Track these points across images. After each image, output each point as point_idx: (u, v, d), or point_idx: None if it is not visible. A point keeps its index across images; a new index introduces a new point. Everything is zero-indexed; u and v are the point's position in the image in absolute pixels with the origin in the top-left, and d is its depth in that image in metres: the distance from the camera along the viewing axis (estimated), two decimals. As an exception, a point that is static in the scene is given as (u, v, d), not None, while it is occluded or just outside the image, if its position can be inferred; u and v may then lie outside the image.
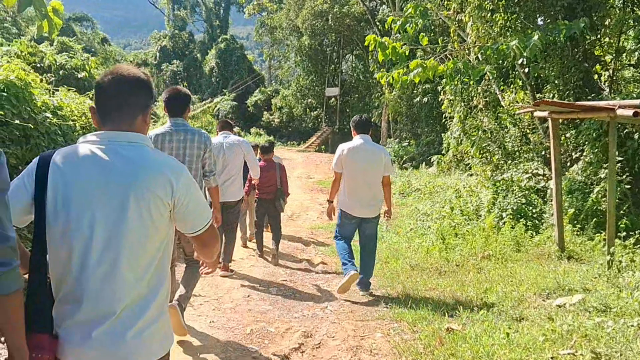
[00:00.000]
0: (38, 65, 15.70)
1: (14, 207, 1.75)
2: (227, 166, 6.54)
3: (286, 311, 5.54)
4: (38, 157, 1.96)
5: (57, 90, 7.34)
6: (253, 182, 7.51)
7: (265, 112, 43.74)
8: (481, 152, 12.20)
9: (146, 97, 2.08)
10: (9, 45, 17.71)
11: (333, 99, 41.05)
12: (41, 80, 6.80)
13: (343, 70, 41.87)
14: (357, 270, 5.93)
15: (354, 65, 41.91)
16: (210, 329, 4.83)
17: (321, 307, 5.68)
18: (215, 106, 42.60)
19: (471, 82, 12.98)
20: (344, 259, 6.04)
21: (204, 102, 43.66)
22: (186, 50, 54.29)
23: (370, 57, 33.92)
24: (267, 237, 8.31)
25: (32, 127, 5.47)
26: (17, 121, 5.50)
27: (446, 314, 5.23)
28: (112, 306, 1.87)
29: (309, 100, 41.30)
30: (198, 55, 53.48)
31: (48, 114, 6.04)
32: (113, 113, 2.00)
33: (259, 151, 8.27)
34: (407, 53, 9.80)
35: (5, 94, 5.65)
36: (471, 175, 13.74)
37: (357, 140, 5.99)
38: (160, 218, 1.95)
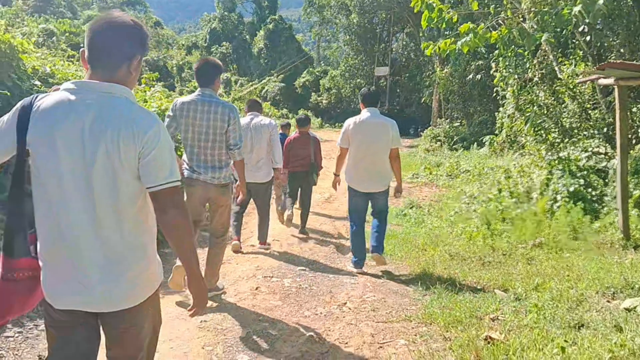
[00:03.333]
0: (81, 45, 15.48)
1: None
2: (255, 147, 6.49)
3: (297, 308, 4.73)
4: (20, 103, 1.98)
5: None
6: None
7: (313, 94, 43.06)
8: (535, 129, 11.02)
9: (132, 46, 2.01)
10: (45, 22, 17.40)
11: (383, 79, 40.00)
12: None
13: (393, 49, 40.71)
14: (361, 268, 5.87)
15: (404, 43, 40.64)
16: (199, 331, 4.05)
17: (339, 304, 4.83)
18: (263, 87, 42.08)
19: (526, 53, 11.80)
20: (354, 250, 5.97)
21: (251, 83, 43.16)
22: (235, 32, 53.78)
23: (421, 34, 32.59)
24: (298, 214, 8.17)
25: (9, 95, 4.80)
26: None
27: (486, 316, 4.32)
28: (89, 250, 1.94)
29: (358, 80, 40.29)
30: (247, 37, 52.94)
31: (37, 82, 5.40)
32: (96, 60, 1.98)
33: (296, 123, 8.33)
34: (454, 19, 8.80)
35: (-16, 59, 5.04)
36: (524, 155, 12.58)
37: (365, 113, 5.81)
38: (130, 168, 1.93)
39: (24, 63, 5.40)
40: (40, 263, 1.99)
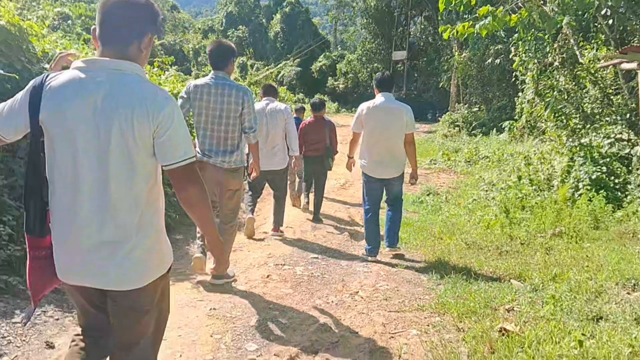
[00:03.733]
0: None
1: (8, 126, 1.98)
2: (270, 133, 6.47)
3: (308, 296, 4.65)
4: (32, 82, 1.97)
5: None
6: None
7: (330, 78, 42.80)
8: (556, 114, 10.78)
9: (143, 23, 2.01)
10: (61, 6, 17.37)
11: (400, 63, 39.69)
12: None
13: (411, 33, 40.28)
14: (375, 256, 5.78)
15: (422, 27, 40.17)
16: (208, 319, 3.98)
17: (351, 293, 4.75)
18: (279, 72, 41.89)
19: (546, 37, 11.53)
20: (368, 238, 5.86)
21: (267, 67, 42.97)
22: (252, 16, 53.50)
23: (439, 18, 32.15)
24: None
25: (18, 78, 4.73)
26: (5, 72, 4.82)
27: (502, 307, 4.20)
28: (100, 230, 1.94)
29: (375, 64, 39.97)
30: (263, 20, 52.64)
31: (46, 65, 5.33)
32: (106, 37, 1.98)
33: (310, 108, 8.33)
34: (473, 1, 8.59)
35: (-6, 42, 4.98)
36: (544, 141, 12.34)
37: (379, 98, 5.71)
38: (145, 146, 1.94)
39: (33, 46, 5.33)
40: (53, 240, 2.02)
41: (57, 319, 3.74)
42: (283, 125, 6.56)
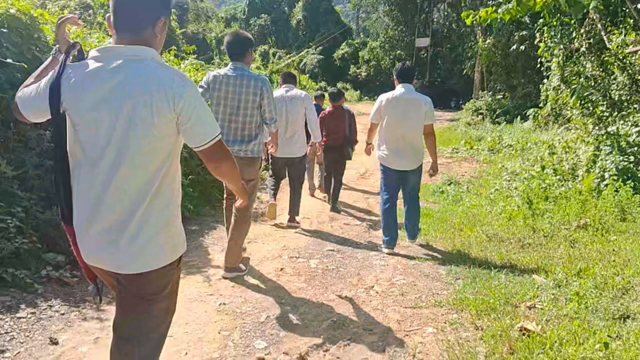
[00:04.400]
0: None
1: (30, 107, 2.04)
2: (289, 121, 6.45)
3: (322, 290, 4.52)
4: (51, 72, 2.01)
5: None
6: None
7: (352, 66, 42.48)
8: (582, 101, 10.44)
9: (156, 8, 2.03)
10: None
11: (423, 50, 39.22)
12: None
13: (434, 20, 39.73)
14: (392, 249, 5.69)
15: (445, 13, 39.59)
16: (216, 315, 3.88)
17: (366, 287, 4.61)
18: (301, 60, 41.66)
19: (572, 22, 11.19)
20: (385, 229, 5.78)
21: (289, 56, 42.78)
22: (274, 4, 53.22)
23: (463, 4, 31.61)
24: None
25: (27, 68, 4.65)
26: (16, 61, 4.74)
27: (523, 304, 4.03)
28: (111, 213, 1.97)
29: (398, 52, 39.63)
30: (285, 8, 52.34)
31: (58, 55, 5.26)
32: (121, 23, 2.00)
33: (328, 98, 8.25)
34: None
35: (4, 30, 4.90)
36: (569, 129, 12.01)
37: (399, 89, 5.63)
38: (163, 132, 1.96)
39: (45, 35, 5.25)
40: (74, 223, 2.05)
41: (63, 314, 3.66)
42: (303, 112, 6.56)
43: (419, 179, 5.86)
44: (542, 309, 3.92)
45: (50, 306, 3.72)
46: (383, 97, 5.69)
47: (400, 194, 5.92)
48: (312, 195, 8.81)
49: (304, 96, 6.65)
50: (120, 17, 1.99)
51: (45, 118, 2.06)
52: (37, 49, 5.05)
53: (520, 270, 4.95)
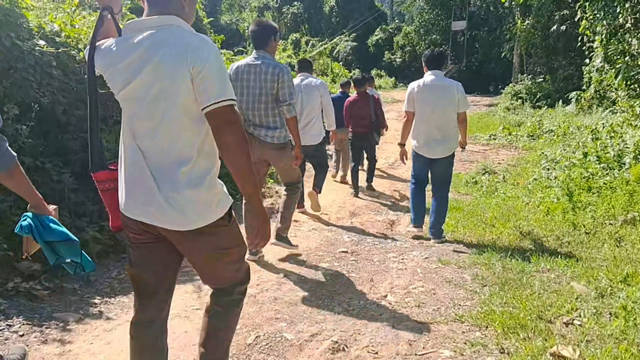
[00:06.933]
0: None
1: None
2: (305, 108, 6.37)
3: (328, 301, 3.97)
4: (85, 49, 2.19)
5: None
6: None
7: (386, 52, 41.64)
8: (628, 82, 9.66)
9: None
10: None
11: (460, 33, 38.25)
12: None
13: (471, 2, 38.47)
14: (420, 229, 5.79)
15: (483, -6, 38.36)
16: (197, 336, 3.38)
17: (378, 296, 4.05)
18: (333, 47, 40.97)
19: (617, -4, 10.38)
20: (412, 208, 5.89)
21: (322, 44, 42.10)
22: (307, -9, 52.59)
23: (500, -16, 30.52)
24: (364, 175, 8.30)
25: (0, 57, 4.23)
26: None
27: (558, 320, 3.42)
28: (145, 171, 2.05)
29: (434, 36, 38.65)
30: (321, -5, 51.66)
31: (40, 41, 4.82)
32: None
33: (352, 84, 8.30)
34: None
35: (-20, 17, 4.49)
36: (615, 112, 11.16)
37: (428, 76, 5.52)
38: (189, 93, 1.97)
39: (27, 20, 4.83)
40: (120, 178, 2.16)
41: (22, 335, 3.19)
42: (319, 100, 6.48)
43: (450, 167, 5.73)
44: (581, 325, 3.31)
45: (10, 325, 3.27)
46: (414, 85, 5.59)
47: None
48: (336, 178, 9.09)
49: (320, 83, 6.57)
50: None
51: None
52: (16, 35, 4.61)
53: (557, 275, 4.31)
